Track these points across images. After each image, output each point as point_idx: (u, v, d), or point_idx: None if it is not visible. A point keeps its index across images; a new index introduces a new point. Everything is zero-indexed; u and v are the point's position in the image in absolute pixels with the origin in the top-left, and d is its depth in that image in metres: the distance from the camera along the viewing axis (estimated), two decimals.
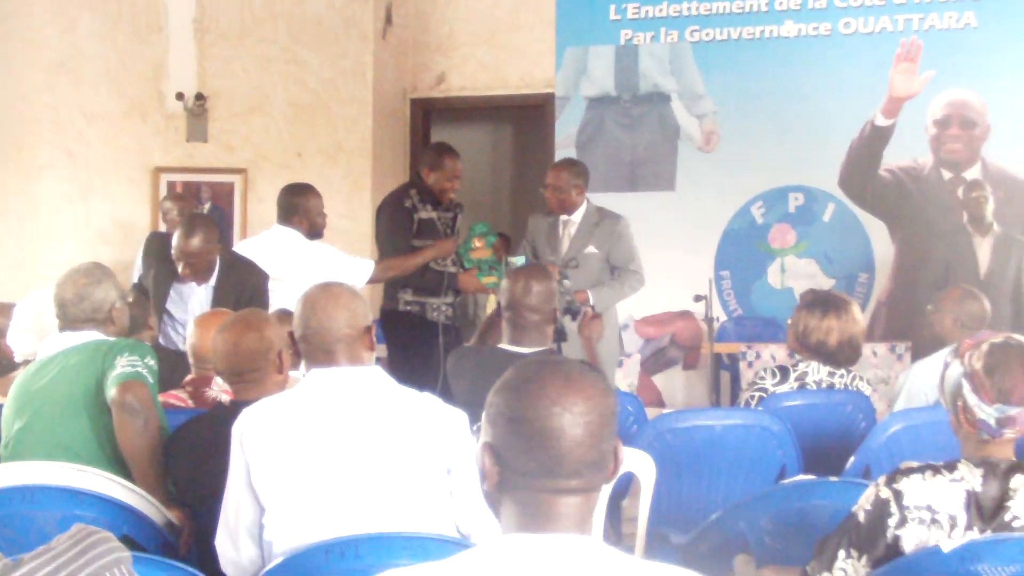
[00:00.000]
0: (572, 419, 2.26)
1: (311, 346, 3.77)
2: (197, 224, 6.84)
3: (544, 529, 2.26)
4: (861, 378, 5.80)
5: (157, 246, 7.19)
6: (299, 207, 7.26)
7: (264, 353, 4.34)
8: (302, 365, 3.94)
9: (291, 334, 3.87)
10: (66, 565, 2.24)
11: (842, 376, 5.70)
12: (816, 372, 5.68)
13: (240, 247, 7.59)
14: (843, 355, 5.70)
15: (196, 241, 6.70)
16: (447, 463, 3.62)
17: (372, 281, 7.54)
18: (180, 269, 6.79)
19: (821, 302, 5.75)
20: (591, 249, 7.68)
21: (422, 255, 7.61)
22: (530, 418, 2.27)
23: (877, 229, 9.94)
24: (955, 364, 3.45)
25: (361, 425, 3.58)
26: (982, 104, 9.74)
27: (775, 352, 8.29)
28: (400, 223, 7.73)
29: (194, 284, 6.90)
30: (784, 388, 5.65)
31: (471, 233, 7.73)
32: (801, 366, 5.70)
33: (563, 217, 7.81)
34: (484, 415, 2.38)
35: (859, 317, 5.76)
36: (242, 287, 6.91)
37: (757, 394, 5.70)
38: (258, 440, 3.56)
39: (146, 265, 7.23)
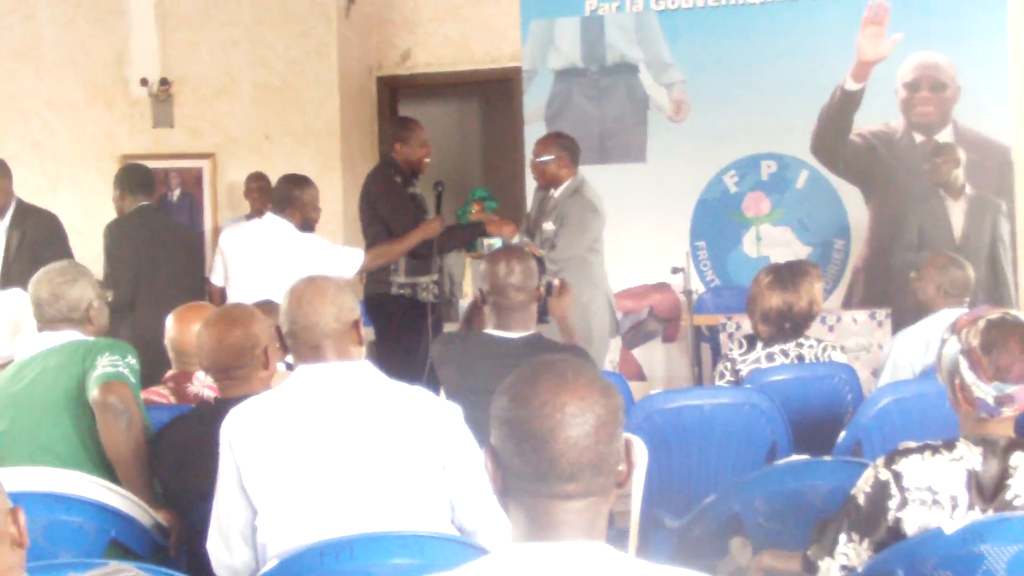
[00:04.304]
0: (563, 420, 2.18)
1: (298, 342, 3.72)
2: None
3: (549, 537, 2.20)
4: (835, 347, 5.76)
5: None
6: (295, 199, 7.21)
7: (250, 349, 4.27)
8: (288, 356, 3.90)
9: (278, 328, 3.82)
10: None
11: (811, 347, 5.67)
12: (784, 342, 5.65)
13: (228, 233, 7.55)
14: (806, 323, 5.66)
15: None
16: (442, 459, 3.56)
17: (363, 270, 7.50)
18: None
19: (765, 273, 5.74)
20: (548, 226, 7.61)
21: (410, 239, 7.55)
22: (522, 419, 2.21)
23: (851, 195, 9.90)
24: (951, 341, 3.41)
25: (352, 422, 3.53)
26: (951, 66, 9.69)
27: None
28: (403, 200, 7.70)
29: None
30: (752, 357, 5.63)
31: (470, 197, 7.66)
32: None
33: (551, 192, 7.77)
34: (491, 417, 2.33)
35: (804, 289, 5.67)
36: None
37: (728, 364, 5.69)
38: (248, 441, 3.51)
39: None
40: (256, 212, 9.93)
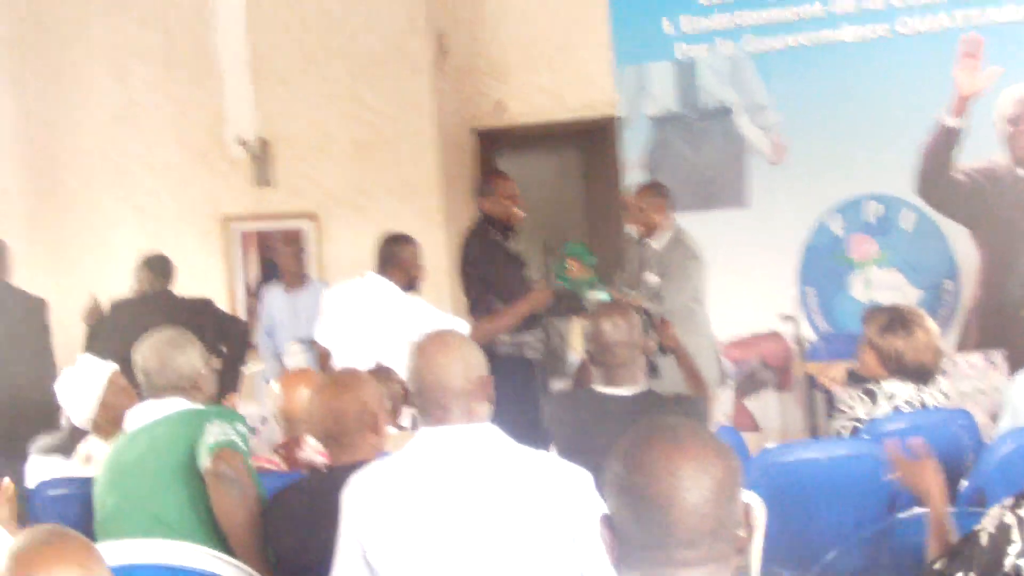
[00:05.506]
0: (680, 485, 2.15)
1: (426, 401, 3.60)
2: None
3: None
4: (943, 382, 5.66)
5: None
6: (395, 257, 7.17)
7: (360, 415, 4.22)
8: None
9: (403, 386, 3.76)
10: None
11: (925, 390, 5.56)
12: (904, 391, 5.53)
13: (332, 292, 7.47)
14: (936, 368, 5.57)
15: None
16: (572, 529, 3.38)
17: None
18: None
19: (898, 320, 5.60)
20: (651, 277, 7.54)
21: (517, 311, 7.47)
22: (638, 485, 2.17)
23: (958, 234, 9.71)
24: None
25: (480, 491, 3.42)
26: None
27: None
28: (502, 261, 7.67)
29: None
30: (879, 412, 5.49)
31: (565, 254, 7.58)
32: (886, 386, 5.54)
33: (648, 241, 7.72)
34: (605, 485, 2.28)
35: (934, 324, 5.63)
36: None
37: (852, 424, 5.55)
38: (371, 510, 3.45)
39: None
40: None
